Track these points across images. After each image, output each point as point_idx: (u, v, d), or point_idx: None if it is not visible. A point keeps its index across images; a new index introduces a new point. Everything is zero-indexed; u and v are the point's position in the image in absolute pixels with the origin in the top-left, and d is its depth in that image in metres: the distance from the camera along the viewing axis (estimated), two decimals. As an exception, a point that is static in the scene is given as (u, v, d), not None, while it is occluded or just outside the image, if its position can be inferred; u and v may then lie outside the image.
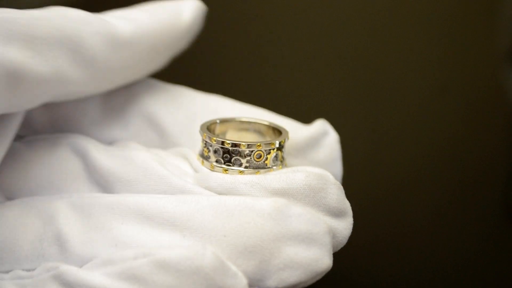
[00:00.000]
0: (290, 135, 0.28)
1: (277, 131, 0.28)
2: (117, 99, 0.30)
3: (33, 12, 0.26)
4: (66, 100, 0.28)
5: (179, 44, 0.31)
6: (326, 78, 0.52)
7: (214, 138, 0.27)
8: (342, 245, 0.27)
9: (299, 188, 0.26)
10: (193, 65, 0.51)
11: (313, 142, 0.30)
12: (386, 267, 0.52)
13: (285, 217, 0.25)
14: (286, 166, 0.28)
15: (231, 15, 0.52)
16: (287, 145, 0.28)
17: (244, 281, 0.24)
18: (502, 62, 0.51)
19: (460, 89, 0.52)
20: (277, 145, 0.27)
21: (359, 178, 0.49)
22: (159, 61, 0.30)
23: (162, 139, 0.30)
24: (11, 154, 0.28)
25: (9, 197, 0.28)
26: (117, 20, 0.28)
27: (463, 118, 0.52)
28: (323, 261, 0.25)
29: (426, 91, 0.52)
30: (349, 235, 0.27)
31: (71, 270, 0.24)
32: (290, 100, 0.52)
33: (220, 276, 0.24)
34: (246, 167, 0.26)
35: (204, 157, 0.27)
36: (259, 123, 0.29)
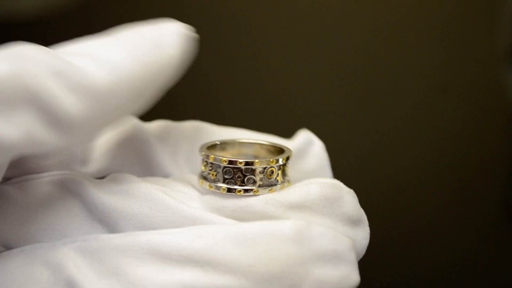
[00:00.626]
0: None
1: (279, 149, 0.28)
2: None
3: None
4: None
5: (165, 82, 0.26)
6: (326, 79, 0.52)
7: (224, 158, 0.26)
8: (361, 256, 0.27)
9: (315, 199, 0.25)
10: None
11: (300, 153, 0.29)
12: (386, 267, 0.52)
13: (309, 238, 0.24)
14: (290, 181, 0.27)
15: (228, 18, 0.52)
16: None
17: None
18: (502, 62, 0.51)
19: (460, 89, 0.52)
20: (285, 160, 0.27)
21: (359, 178, 0.49)
22: (143, 105, 0.26)
23: (149, 171, 0.28)
24: (3, 199, 0.26)
25: (6, 245, 0.26)
26: (89, 64, 0.24)
27: (463, 118, 0.52)
28: (352, 277, 0.25)
29: (426, 91, 0.52)
30: (367, 245, 0.27)
31: None
32: (290, 102, 0.52)
33: None
34: (259, 185, 0.26)
35: (210, 180, 0.26)
36: (260, 143, 0.29)
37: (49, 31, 0.57)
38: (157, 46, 0.25)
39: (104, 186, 0.26)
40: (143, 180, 0.27)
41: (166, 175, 0.29)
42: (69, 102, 0.23)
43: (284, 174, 0.27)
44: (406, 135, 0.52)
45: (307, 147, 0.29)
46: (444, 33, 0.52)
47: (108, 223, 0.26)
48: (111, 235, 0.25)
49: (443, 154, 0.52)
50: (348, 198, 0.26)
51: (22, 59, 0.23)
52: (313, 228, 0.24)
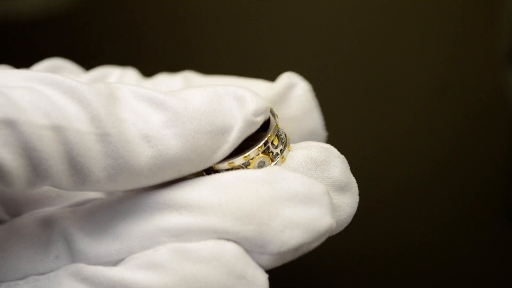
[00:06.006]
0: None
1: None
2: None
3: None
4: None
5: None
6: (326, 79, 0.52)
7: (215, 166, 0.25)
8: (345, 224, 0.26)
9: (300, 161, 0.25)
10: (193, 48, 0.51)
11: (279, 99, 0.28)
12: (386, 267, 0.52)
13: (280, 179, 0.24)
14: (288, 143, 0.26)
15: (234, 11, 0.52)
16: None
17: (265, 275, 0.24)
18: (502, 62, 0.51)
19: (460, 89, 0.52)
20: (270, 142, 0.26)
21: (357, 179, 0.49)
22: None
23: None
24: None
25: (14, 214, 0.27)
26: (138, 141, 0.23)
27: (463, 118, 0.52)
28: (324, 219, 0.24)
29: (426, 92, 0.52)
30: (353, 214, 0.26)
31: (87, 266, 0.24)
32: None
33: (241, 264, 0.23)
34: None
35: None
36: None
37: (48, 31, 0.58)
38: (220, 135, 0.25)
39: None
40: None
41: None
42: (99, 171, 0.24)
43: (281, 140, 0.26)
44: (405, 136, 0.52)
45: (288, 91, 0.28)
46: (444, 34, 0.52)
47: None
48: (107, 198, 0.26)
49: (443, 155, 0.52)
50: (336, 162, 0.25)
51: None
52: (286, 172, 0.24)
